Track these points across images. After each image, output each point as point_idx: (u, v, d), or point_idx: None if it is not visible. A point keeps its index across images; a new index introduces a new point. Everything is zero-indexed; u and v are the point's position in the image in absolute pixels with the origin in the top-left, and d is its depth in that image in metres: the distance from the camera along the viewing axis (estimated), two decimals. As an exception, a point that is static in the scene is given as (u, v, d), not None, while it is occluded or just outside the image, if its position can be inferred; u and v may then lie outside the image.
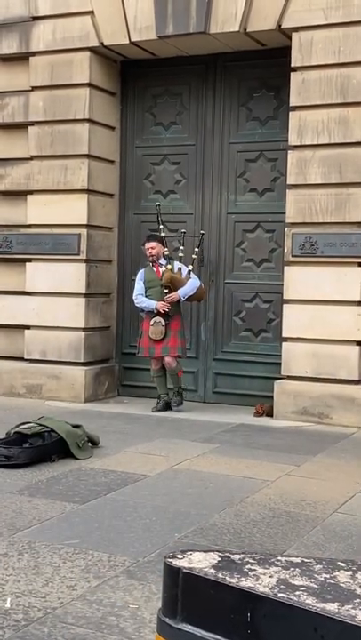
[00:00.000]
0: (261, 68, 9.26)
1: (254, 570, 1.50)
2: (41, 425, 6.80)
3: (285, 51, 8.62)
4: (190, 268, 9.00)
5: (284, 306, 8.69)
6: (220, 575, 1.46)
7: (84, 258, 9.59)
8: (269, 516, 5.13)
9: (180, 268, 8.99)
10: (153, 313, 8.85)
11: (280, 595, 1.40)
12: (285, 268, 8.69)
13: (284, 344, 8.71)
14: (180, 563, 1.50)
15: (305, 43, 8.41)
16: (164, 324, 8.81)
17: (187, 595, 1.47)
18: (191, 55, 9.46)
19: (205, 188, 9.67)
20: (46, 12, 9.57)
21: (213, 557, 1.54)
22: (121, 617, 3.71)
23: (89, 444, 6.93)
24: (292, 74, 8.55)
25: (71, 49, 9.50)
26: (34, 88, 9.75)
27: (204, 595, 1.45)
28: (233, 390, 9.51)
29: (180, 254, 9.13)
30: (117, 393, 10.10)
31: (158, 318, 8.82)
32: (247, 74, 9.38)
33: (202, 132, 9.67)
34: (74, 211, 9.61)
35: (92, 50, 9.49)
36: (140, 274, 9.08)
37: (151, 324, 8.84)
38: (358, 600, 1.39)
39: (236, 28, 8.66)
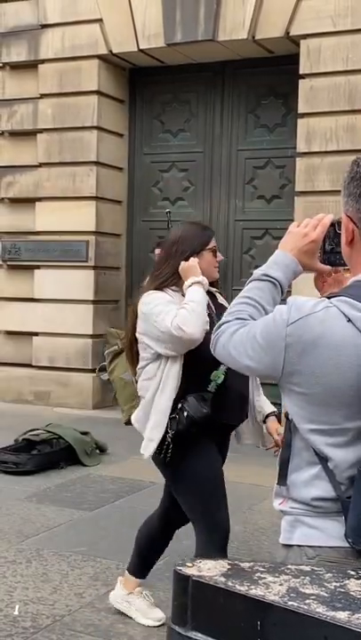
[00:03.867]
0: (270, 75, 9.26)
1: (264, 578, 1.49)
2: (49, 432, 6.81)
3: (294, 58, 8.62)
4: (199, 276, 9.00)
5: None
6: (229, 583, 1.46)
7: (93, 265, 9.60)
8: (277, 524, 5.09)
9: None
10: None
11: (290, 603, 1.39)
12: (294, 274, 8.67)
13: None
14: (190, 571, 1.50)
15: (313, 50, 8.41)
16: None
17: (196, 603, 1.46)
18: (199, 62, 9.48)
19: (213, 195, 9.67)
20: (55, 19, 9.61)
21: (223, 565, 1.54)
22: (129, 624, 3.71)
23: (97, 450, 6.94)
24: (300, 81, 8.55)
25: (80, 57, 9.53)
26: (42, 95, 9.78)
27: (214, 603, 1.44)
28: (241, 397, 9.48)
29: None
30: (125, 400, 10.07)
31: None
32: (255, 81, 9.39)
33: (210, 138, 9.68)
34: (82, 218, 9.62)
35: (100, 57, 9.52)
36: (148, 280, 9.07)
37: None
38: (369, 609, 1.38)
39: (245, 36, 8.67)
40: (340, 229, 2.08)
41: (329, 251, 2.11)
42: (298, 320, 1.91)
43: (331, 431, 1.93)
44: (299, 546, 2.00)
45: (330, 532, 1.95)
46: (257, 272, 2.13)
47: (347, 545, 1.92)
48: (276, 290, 2.09)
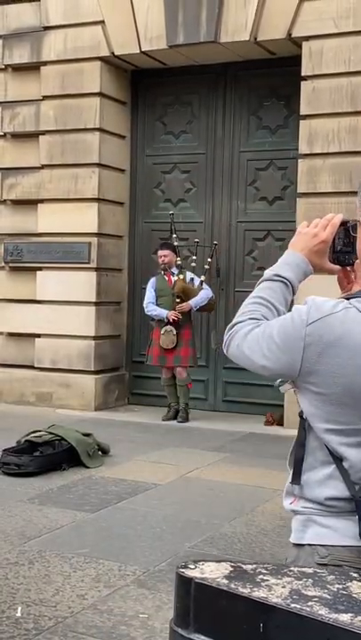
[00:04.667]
0: (272, 76, 9.27)
1: (267, 580, 1.49)
2: (51, 433, 6.81)
3: (296, 59, 8.63)
4: (202, 278, 9.01)
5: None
6: (232, 585, 1.46)
7: (95, 266, 9.60)
8: (280, 526, 5.11)
9: (192, 279, 9.00)
10: (163, 322, 8.85)
11: (293, 605, 1.39)
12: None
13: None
14: (193, 573, 1.50)
15: (315, 52, 8.41)
16: (175, 332, 8.80)
17: (199, 605, 1.46)
18: (201, 64, 9.48)
19: (216, 197, 9.68)
20: (57, 21, 9.62)
21: (226, 567, 1.54)
22: (132, 626, 3.71)
23: (99, 452, 6.93)
24: (302, 83, 8.56)
25: (82, 58, 9.54)
26: (45, 97, 9.79)
27: (217, 605, 1.44)
28: (243, 399, 9.49)
29: (193, 264, 9.14)
30: (127, 401, 10.09)
31: (169, 327, 8.81)
32: (257, 83, 9.40)
33: (212, 140, 9.69)
34: (84, 219, 9.63)
35: (102, 59, 9.52)
36: (152, 282, 9.08)
37: (162, 332, 8.83)
38: (371, 611, 1.38)
39: (247, 37, 8.67)
40: (354, 232, 2.09)
41: (339, 250, 2.12)
42: (318, 320, 1.92)
43: (346, 431, 1.94)
44: (310, 545, 1.99)
45: (343, 532, 1.95)
46: (268, 272, 2.14)
47: (360, 544, 1.93)
48: (288, 290, 2.09)
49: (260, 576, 1.50)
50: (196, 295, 8.85)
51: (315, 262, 2.12)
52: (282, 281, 2.09)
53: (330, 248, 2.12)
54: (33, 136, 9.90)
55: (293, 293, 2.10)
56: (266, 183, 9.44)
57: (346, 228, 2.11)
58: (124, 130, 10.01)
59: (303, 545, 2.01)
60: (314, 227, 2.15)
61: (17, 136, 10.06)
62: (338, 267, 2.14)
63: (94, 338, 9.63)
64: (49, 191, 9.78)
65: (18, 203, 10.09)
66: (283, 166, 9.31)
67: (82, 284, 9.62)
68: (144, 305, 9.07)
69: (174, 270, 8.97)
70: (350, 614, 1.36)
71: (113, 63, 9.66)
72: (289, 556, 2.06)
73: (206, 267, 9.16)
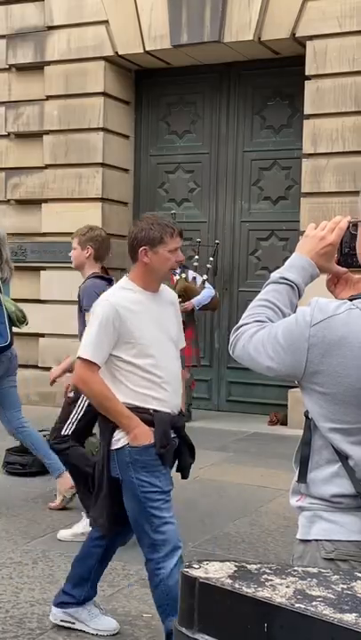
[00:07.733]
0: (275, 76, 9.26)
1: (271, 580, 1.49)
2: (55, 433, 6.80)
3: (300, 59, 8.62)
4: (205, 277, 9.00)
5: (299, 314, 8.66)
6: (236, 585, 1.45)
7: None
8: (284, 525, 5.11)
9: (194, 277, 8.98)
10: (166, 321, 8.83)
11: (297, 605, 1.39)
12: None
13: (298, 352, 8.67)
14: (197, 572, 1.50)
15: (319, 51, 8.41)
16: (176, 332, 8.78)
17: (203, 605, 1.46)
18: (205, 64, 9.48)
19: (219, 197, 9.67)
20: (61, 21, 9.62)
21: (230, 567, 1.53)
22: (135, 626, 3.71)
23: (103, 452, 6.91)
24: (306, 82, 8.55)
25: (86, 58, 9.54)
26: (48, 97, 9.79)
27: (221, 605, 1.44)
28: (247, 399, 9.48)
29: (195, 263, 9.13)
30: (131, 401, 10.07)
31: (171, 327, 8.80)
32: (261, 82, 9.39)
33: (216, 140, 9.68)
34: (88, 219, 9.58)
35: (106, 59, 9.52)
36: (154, 282, 9.06)
37: (164, 332, 8.82)
38: (376, 611, 1.38)
39: (251, 37, 8.67)
40: (355, 231, 2.10)
41: (346, 253, 2.12)
42: (321, 321, 1.92)
43: (351, 430, 1.95)
44: (317, 540, 2.00)
45: (349, 527, 1.96)
46: (274, 275, 2.14)
47: None
48: (294, 292, 2.10)
49: (265, 576, 1.50)
50: (198, 294, 8.84)
51: (321, 265, 2.13)
52: (288, 284, 2.10)
53: (337, 250, 2.12)
54: (37, 136, 9.91)
55: (300, 296, 2.11)
56: (270, 183, 9.43)
57: (353, 232, 2.12)
58: (128, 130, 10.01)
59: (310, 540, 2.02)
60: (321, 229, 2.16)
61: (21, 136, 10.07)
62: (345, 269, 2.15)
63: (98, 337, 9.60)
64: (53, 191, 9.78)
65: (22, 202, 10.10)
66: (287, 166, 9.31)
67: (85, 283, 9.60)
68: (146, 305, 9.04)
69: (177, 270, 8.94)
70: (355, 614, 1.35)
71: (117, 63, 9.66)
72: (295, 552, 2.06)
73: (208, 266, 9.15)
